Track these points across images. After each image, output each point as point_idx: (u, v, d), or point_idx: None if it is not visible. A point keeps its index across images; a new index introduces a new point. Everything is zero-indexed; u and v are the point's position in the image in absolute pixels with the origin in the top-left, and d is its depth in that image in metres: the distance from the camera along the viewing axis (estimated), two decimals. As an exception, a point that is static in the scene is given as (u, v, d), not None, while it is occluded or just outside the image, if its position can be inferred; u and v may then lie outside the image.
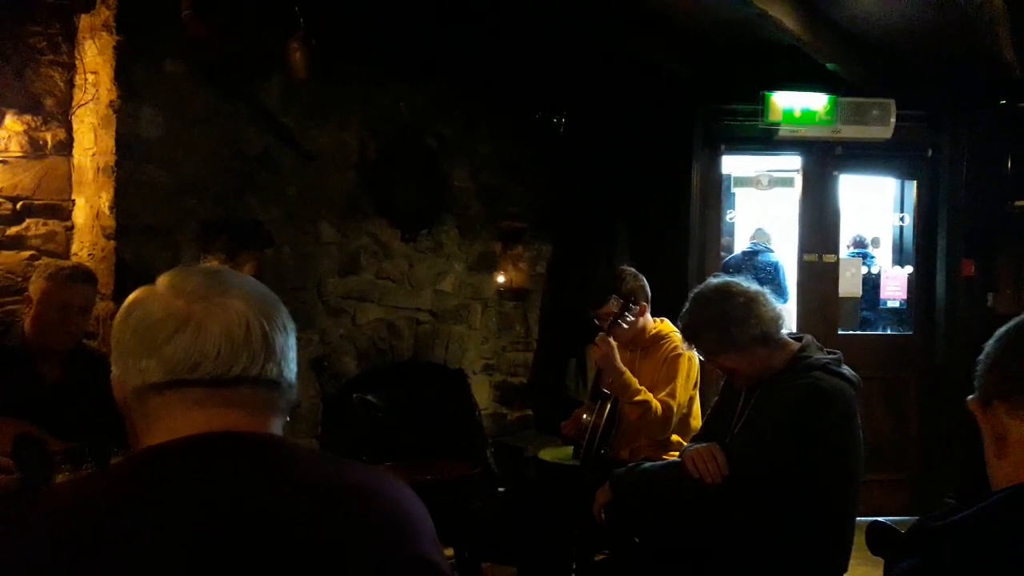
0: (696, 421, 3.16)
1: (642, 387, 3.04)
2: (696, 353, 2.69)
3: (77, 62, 3.47)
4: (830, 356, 2.31)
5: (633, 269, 3.32)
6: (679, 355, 3.11)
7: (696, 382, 3.18)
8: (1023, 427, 1.03)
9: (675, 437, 3.12)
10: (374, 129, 4.17)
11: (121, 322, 1.03)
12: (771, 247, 6.73)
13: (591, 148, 5.04)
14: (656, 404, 3.01)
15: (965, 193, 4.96)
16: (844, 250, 5.79)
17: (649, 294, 3.26)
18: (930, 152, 5.06)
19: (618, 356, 3.05)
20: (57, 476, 2.34)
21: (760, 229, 6.89)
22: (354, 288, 4.15)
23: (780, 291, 5.80)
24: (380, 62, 4.14)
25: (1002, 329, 1.11)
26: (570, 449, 3.37)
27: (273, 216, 3.79)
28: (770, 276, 6.24)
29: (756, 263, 6.44)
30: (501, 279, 4.93)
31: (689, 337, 2.43)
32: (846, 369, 2.29)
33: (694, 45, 4.51)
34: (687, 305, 2.41)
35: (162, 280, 1.04)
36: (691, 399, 3.17)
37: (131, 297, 1.05)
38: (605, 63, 4.63)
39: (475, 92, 4.61)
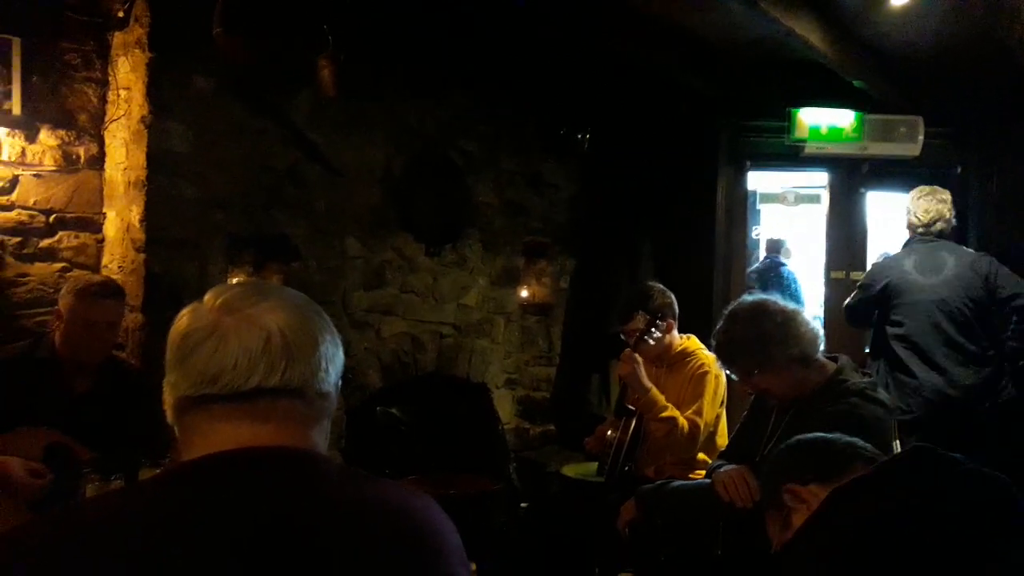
0: (722, 439, 3.14)
1: (668, 404, 3.02)
2: (728, 373, 2.62)
3: (110, 78, 3.53)
4: (866, 380, 2.26)
5: (661, 285, 3.31)
6: (706, 372, 3.08)
7: (723, 400, 3.16)
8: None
9: (701, 455, 3.10)
10: (400, 144, 4.20)
11: (169, 336, 1.05)
12: (783, 259, 6.68)
13: (615, 163, 5.05)
14: (683, 421, 2.99)
15: (994, 211, 4.90)
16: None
17: (676, 311, 3.25)
18: (958, 169, 5.00)
19: (644, 372, 3.03)
20: (86, 485, 2.37)
21: (771, 240, 6.83)
22: (379, 302, 4.17)
23: (799, 302, 5.77)
24: (406, 78, 4.18)
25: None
26: (593, 465, 3.35)
27: (300, 230, 3.82)
28: (786, 287, 6.20)
29: (772, 275, 6.42)
30: (524, 294, 4.93)
31: (724, 357, 2.36)
32: (882, 393, 2.24)
33: (720, 62, 4.51)
34: (721, 324, 2.34)
35: (207, 294, 1.06)
36: (717, 417, 3.14)
37: (182, 311, 1.07)
38: (630, 79, 4.64)
39: (500, 107, 4.63)
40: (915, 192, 3.87)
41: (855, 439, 1.46)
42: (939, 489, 1.02)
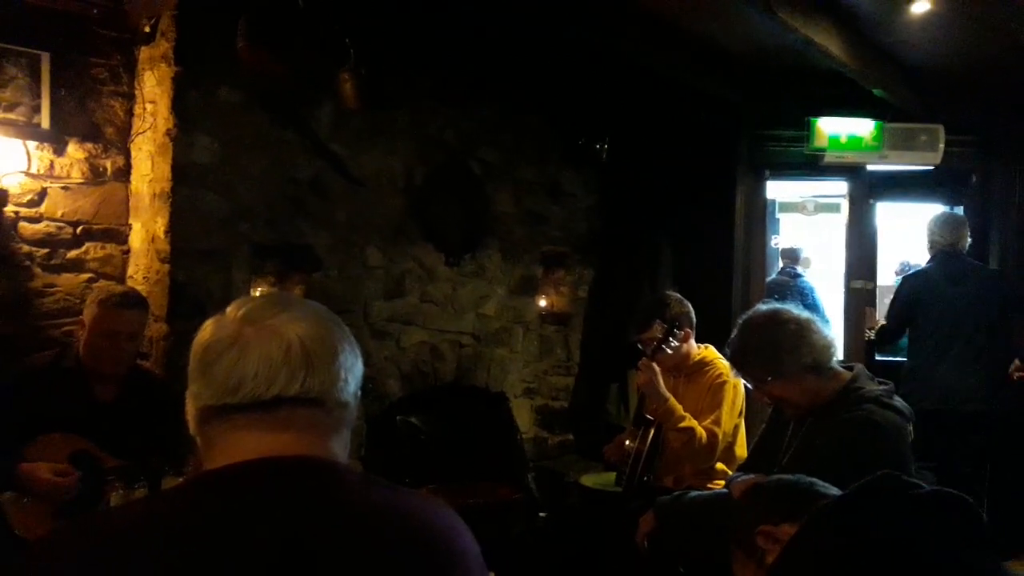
0: (741, 449, 3.12)
1: (687, 414, 3.02)
2: (743, 381, 2.64)
3: (136, 92, 3.59)
4: (882, 388, 2.25)
5: (678, 294, 3.30)
6: (724, 382, 3.07)
7: (741, 410, 3.14)
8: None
9: (720, 466, 3.08)
10: (420, 155, 4.24)
11: (192, 347, 1.07)
12: (801, 268, 6.65)
13: (634, 173, 5.05)
14: (701, 431, 2.98)
15: (1018, 217, 4.85)
16: (891, 276, 5.71)
17: (694, 320, 3.24)
18: (974, 178, 4.97)
19: (662, 381, 3.03)
20: (110, 493, 2.41)
21: (787, 249, 6.79)
22: (399, 311, 4.20)
23: (818, 314, 5.77)
24: (427, 89, 4.22)
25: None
26: (611, 475, 3.35)
27: (322, 240, 3.86)
28: (804, 298, 6.18)
29: (790, 286, 6.38)
30: (543, 303, 4.95)
31: (738, 364, 2.37)
32: (898, 401, 2.23)
33: (739, 71, 4.51)
34: (735, 332, 2.36)
35: (230, 306, 1.08)
36: (736, 427, 3.13)
37: (205, 322, 1.09)
38: (649, 88, 4.65)
39: (519, 117, 4.66)
40: (936, 217, 4.40)
41: (815, 479, 1.48)
42: (903, 515, 1.05)
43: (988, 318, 4.18)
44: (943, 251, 4.27)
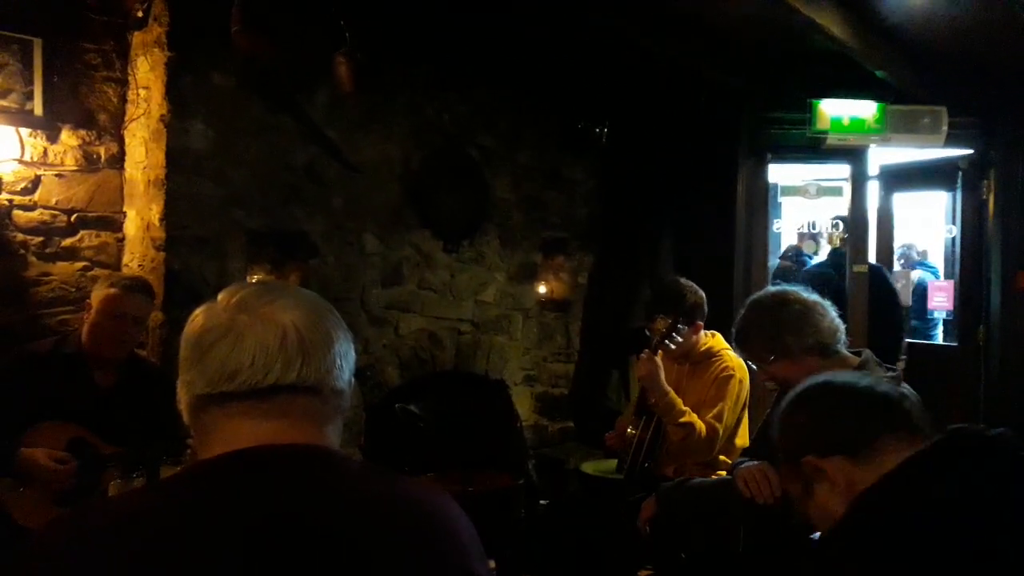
0: (742, 440, 3.09)
1: (687, 408, 2.96)
2: (747, 361, 2.63)
3: (130, 78, 3.56)
4: (889, 374, 2.24)
5: (693, 284, 3.19)
6: (730, 376, 3.02)
7: (745, 403, 3.11)
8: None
9: (721, 457, 3.06)
10: (418, 140, 4.20)
11: (182, 335, 1.05)
12: (807, 252, 6.65)
13: (634, 157, 5.02)
14: (701, 426, 2.94)
15: (1020, 202, 4.82)
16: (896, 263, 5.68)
17: (706, 311, 3.18)
18: (983, 161, 4.93)
19: (663, 376, 2.98)
20: (108, 480, 2.40)
21: (802, 232, 6.76)
22: (397, 298, 4.18)
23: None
24: (424, 74, 4.18)
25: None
26: (612, 462, 3.34)
27: (318, 227, 3.83)
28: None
29: (796, 272, 6.37)
30: (542, 289, 4.92)
31: (741, 342, 2.39)
32: (905, 387, 2.21)
33: (740, 53, 4.47)
34: (742, 311, 2.37)
35: (221, 293, 1.06)
36: (738, 420, 3.09)
37: (195, 311, 1.07)
38: (650, 72, 4.61)
39: (517, 102, 4.62)
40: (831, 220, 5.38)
41: (887, 389, 1.39)
42: (996, 477, 0.99)
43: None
44: (835, 249, 5.22)
